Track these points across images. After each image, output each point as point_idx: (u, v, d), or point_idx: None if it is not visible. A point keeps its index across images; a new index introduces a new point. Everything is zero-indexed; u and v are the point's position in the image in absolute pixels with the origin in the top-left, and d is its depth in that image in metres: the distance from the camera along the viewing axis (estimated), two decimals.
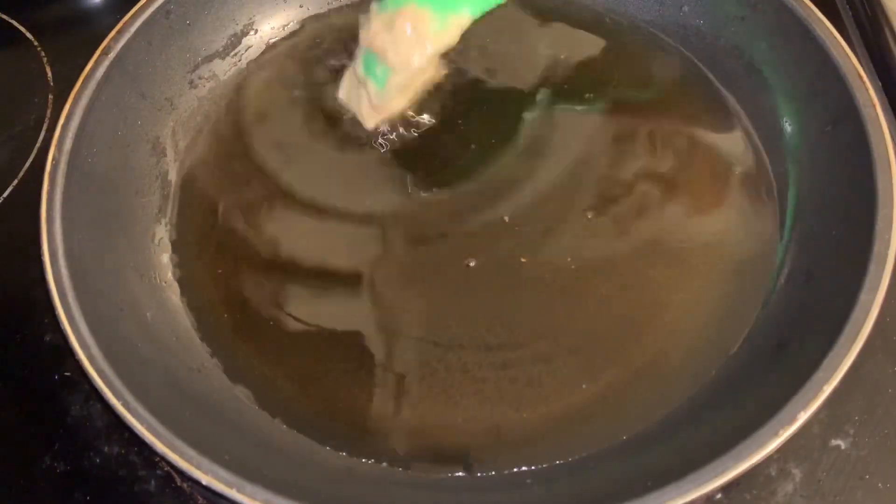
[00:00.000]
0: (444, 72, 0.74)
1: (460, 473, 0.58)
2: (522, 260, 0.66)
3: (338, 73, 0.76)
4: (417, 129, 0.73)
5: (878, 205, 0.57)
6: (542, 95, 0.75)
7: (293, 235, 0.69)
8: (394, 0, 0.67)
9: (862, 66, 0.62)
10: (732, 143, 0.72)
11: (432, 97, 0.74)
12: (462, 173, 0.71)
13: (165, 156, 0.73)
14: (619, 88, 0.76)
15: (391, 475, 0.58)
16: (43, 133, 0.78)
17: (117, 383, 0.53)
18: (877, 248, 0.55)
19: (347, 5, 0.82)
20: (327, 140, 0.74)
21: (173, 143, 0.74)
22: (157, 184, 0.72)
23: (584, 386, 0.61)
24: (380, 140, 0.73)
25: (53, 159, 0.62)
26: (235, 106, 0.77)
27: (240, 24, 0.80)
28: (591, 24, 0.80)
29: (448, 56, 0.73)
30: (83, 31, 0.87)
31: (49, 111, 0.80)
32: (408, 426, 0.60)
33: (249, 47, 0.80)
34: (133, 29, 0.70)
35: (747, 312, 0.63)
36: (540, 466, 0.57)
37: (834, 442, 0.59)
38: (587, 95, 0.75)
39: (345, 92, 0.76)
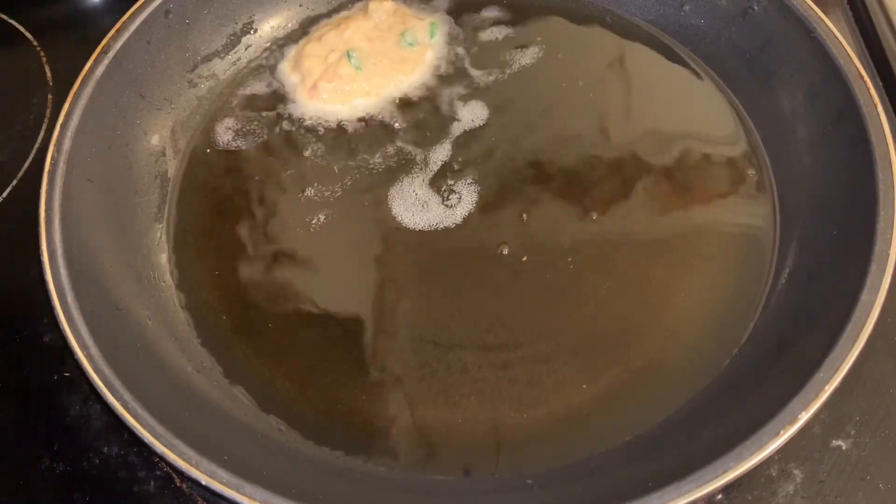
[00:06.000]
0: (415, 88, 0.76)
1: (460, 475, 0.58)
2: (523, 260, 0.66)
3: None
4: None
5: (879, 204, 0.57)
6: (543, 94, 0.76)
7: (292, 237, 0.69)
8: None
9: (862, 65, 0.62)
10: (733, 143, 0.71)
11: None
12: (465, 175, 0.72)
13: (164, 155, 0.73)
14: (619, 87, 0.76)
15: (390, 476, 0.58)
16: (42, 133, 0.79)
17: (116, 383, 0.53)
18: (878, 247, 0.55)
19: (347, 5, 0.82)
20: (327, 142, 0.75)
21: (172, 143, 0.74)
22: (156, 183, 0.72)
23: (584, 386, 0.60)
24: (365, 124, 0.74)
25: (52, 159, 0.62)
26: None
27: (239, 24, 0.80)
28: (592, 22, 0.80)
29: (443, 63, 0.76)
30: (82, 30, 0.87)
31: (48, 111, 0.80)
32: (407, 427, 0.60)
33: (249, 46, 0.80)
34: (132, 28, 0.70)
35: (748, 312, 0.63)
36: (540, 468, 0.57)
37: (835, 442, 0.59)
38: (590, 95, 0.75)
39: (290, 65, 0.78)
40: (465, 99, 0.75)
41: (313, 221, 0.70)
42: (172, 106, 0.75)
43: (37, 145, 0.78)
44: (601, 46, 0.79)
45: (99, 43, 0.68)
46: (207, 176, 0.73)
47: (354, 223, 0.69)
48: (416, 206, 0.69)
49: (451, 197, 0.70)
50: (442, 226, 0.68)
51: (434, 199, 0.70)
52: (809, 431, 0.59)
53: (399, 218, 0.69)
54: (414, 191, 0.70)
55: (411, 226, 0.69)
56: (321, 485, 0.55)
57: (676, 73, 0.76)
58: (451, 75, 0.77)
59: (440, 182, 0.71)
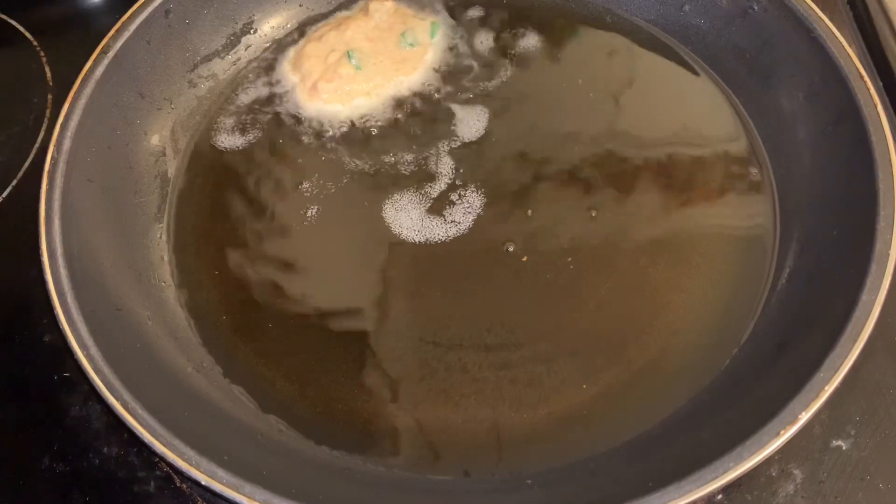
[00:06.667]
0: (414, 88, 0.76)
1: (460, 474, 0.58)
2: (523, 260, 0.66)
3: None
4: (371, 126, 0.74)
5: (879, 204, 0.57)
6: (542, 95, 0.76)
7: (292, 237, 0.69)
8: None
9: (862, 65, 0.62)
10: (733, 143, 0.71)
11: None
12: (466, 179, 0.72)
13: (164, 155, 0.73)
14: (619, 87, 0.76)
15: (389, 476, 0.58)
16: (42, 133, 0.78)
17: (116, 383, 0.53)
18: (878, 247, 0.55)
19: (347, 5, 0.82)
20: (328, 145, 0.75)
21: (172, 143, 0.74)
22: (156, 183, 0.72)
23: (584, 386, 0.60)
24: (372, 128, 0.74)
25: (52, 159, 0.62)
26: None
27: (239, 24, 0.80)
28: (592, 22, 0.80)
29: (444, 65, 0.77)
30: (82, 30, 0.87)
31: (48, 111, 0.80)
32: (407, 427, 0.60)
33: (249, 46, 0.80)
34: (132, 28, 0.70)
35: (748, 312, 0.63)
36: (540, 468, 0.57)
37: (835, 442, 0.59)
38: (589, 95, 0.75)
39: (290, 65, 0.78)
40: (465, 99, 0.75)
41: (314, 222, 0.70)
42: (172, 106, 0.75)
43: (37, 145, 0.78)
44: (601, 46, 0.78)
45: (99, 43, 0.68)
46: (207, 176, 0.73)
47: (355, 224, 0.69)
48: (418, 214, 0.69)
49: (452, 205, 0.69)
50: (443, 235, 0.68)
51: (435, 206, 0.69)
52: (809, 431, 0.59)
53: (400, 223, 0.69)
54: (415, 198, 0.70)
55: (412, 232, 0.68)
56: (321, 485, 0.55)
57: (676, 72, 0.76)
58: (451, 75, 0.77)
59: (441, 187, 0.70)
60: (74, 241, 0.60)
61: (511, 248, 0.67)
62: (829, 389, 0.50)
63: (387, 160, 0.72)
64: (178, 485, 0.61)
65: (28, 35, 0.85)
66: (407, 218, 0.69)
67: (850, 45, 0.64)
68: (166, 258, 0.69)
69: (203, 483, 0.49)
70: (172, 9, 0.73)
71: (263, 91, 0.78)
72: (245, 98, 0.77)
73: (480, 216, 0.69)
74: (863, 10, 0.80)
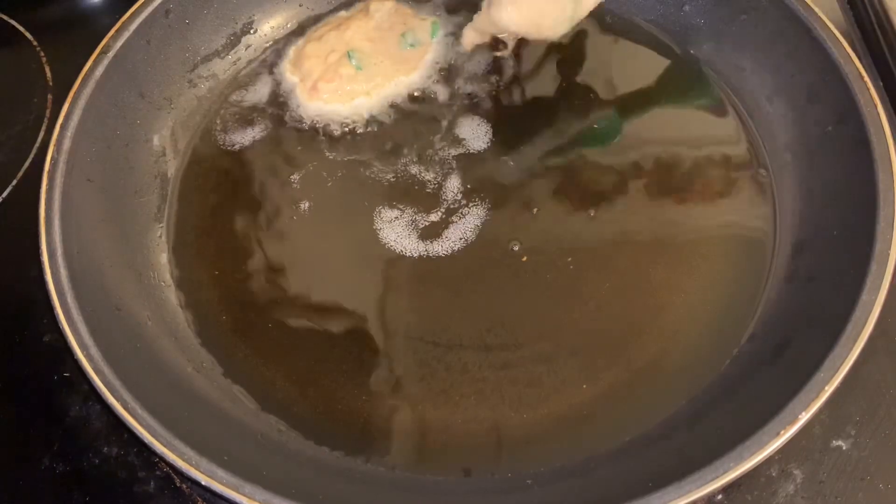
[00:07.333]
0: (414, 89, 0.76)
1: (460, 475, 0.58)
2: (523, 260, 0.66)
3: None
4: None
5: (880, 204, 0.57)
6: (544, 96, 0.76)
7: (292, 237, 0.69)
8: None
9: (863, 65, 0.62)
10: (733, 143, 0.71)
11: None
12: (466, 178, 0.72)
13: (164, 155, 0.73)
14: (619, 87, 0.76)
15: (390, 476, 0.58)
16: (42, 133, 0.79)
17: (116, 383, 0.53)
18: (878, 247, 0.55)
19: (347, 4, 0.82)
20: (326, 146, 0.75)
21: (172, 143, 0.74)
22: (156, 183, 0.72)
23: (584, 386, 0.60)
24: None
25: (52, 159, 0.62)
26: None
27: (239, 24, 0.80)
28: (592, 22, 0.79)
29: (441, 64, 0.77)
30: (82, 30, 0.87)
31: (48, 111, 0.80)
32: (407, 427, 0.60)
33: (249, 46, 0.80)
34: (132, 28, 0.70)
35: (748, 313, 0.63)
36: (540, 468, 0.57)
37: (835, 443, 0.59)
38: (589, 95, 0.75)
39: (290, 65, 0.78)
40: (465, 99, 0.75)
41: (314, 223, 0.70)
42: (172, 106, 0.75)
43: (37, 145, 0.78)
44: (601, 46, 0.78)
45: (99, 43, 0.68)
46: (207, 176, 0.73)
47: (355, 225, 0.69)
48: (418, 218, 0.69)
49: (452, 207, 0.69)
50: (442, 236, 0.68)
51: (435, 210, 0.69)
52: (809, 431, 0.59)
53: (400, 225, 0.69)
54: (415, 202, 0.70)
55: (412, 235, 0.68)
56: (321, 485, 0.55)
57: (675, 72, 0.76)
58: (451, 75, 0.77)
59: (441, 190, 0.70)
60: (74, 241, 0.60)
61: (515, 248, 0.67)
62: (829, 389, 0.50)
63: (388, 160, 0.72)
64: (178, 485, 0.61)
65: (28, 35, 0.86)
66: (407, 221, 0.69)
67: (850, 45, 0.64)
68: (166, 258, 0.69)
69: (203, 483, 0.49)
70: (172, 9, 0.73)
71: (263, 91, 0.78)
72: (245, 98, 0.78)
73: (480, 216, 0.68)
74: (863, 10, 0.80)
